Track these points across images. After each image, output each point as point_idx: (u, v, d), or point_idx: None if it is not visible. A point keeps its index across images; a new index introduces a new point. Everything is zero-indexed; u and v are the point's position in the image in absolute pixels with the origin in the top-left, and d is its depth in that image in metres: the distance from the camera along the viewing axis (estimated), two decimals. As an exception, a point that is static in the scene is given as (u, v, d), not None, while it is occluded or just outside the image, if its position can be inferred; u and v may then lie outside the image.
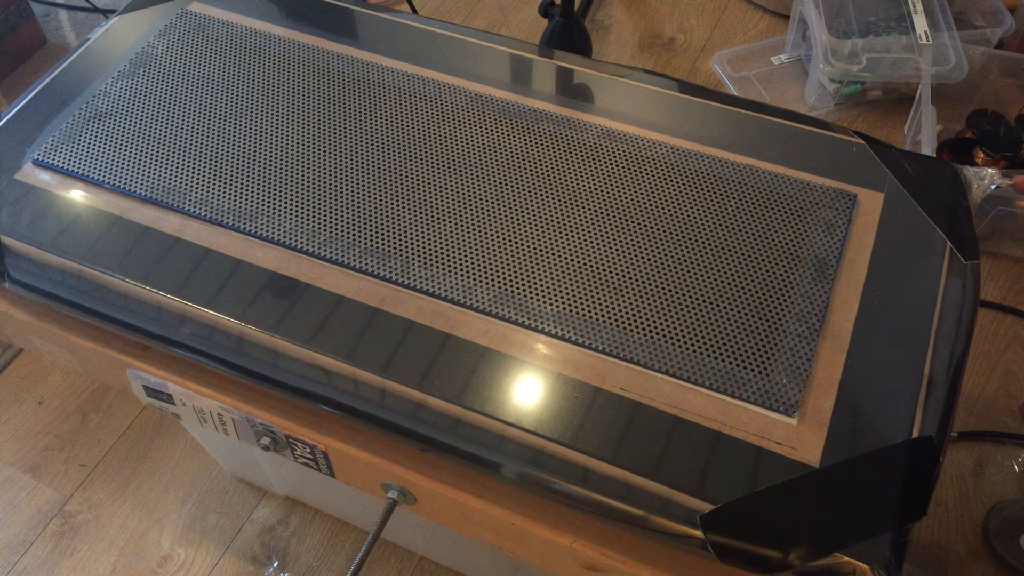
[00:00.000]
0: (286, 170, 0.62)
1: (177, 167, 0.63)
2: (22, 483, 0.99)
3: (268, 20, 0.73)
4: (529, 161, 0.62)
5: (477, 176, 0.61)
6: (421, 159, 0.63)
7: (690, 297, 0.55)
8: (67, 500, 0.97)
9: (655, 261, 0.56)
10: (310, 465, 0.58)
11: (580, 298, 0.55)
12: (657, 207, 0.59)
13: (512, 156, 0.63)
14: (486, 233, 0.58)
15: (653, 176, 0.61)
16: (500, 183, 0.61)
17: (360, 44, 0.71)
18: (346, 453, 0.54)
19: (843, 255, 0.57)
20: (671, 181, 0.61)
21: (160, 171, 0.62)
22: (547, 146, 0.63)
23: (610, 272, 0.56)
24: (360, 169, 0.62)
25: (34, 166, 0.64)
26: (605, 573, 0.51)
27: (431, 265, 0.56)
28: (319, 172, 0.62)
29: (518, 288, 0.55)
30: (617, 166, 0.62)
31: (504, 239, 0.58)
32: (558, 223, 0.59)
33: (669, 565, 0.49)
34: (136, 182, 0.62)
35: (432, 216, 0.59)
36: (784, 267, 0.56)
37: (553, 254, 0.57)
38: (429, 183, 0.61)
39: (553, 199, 0.60)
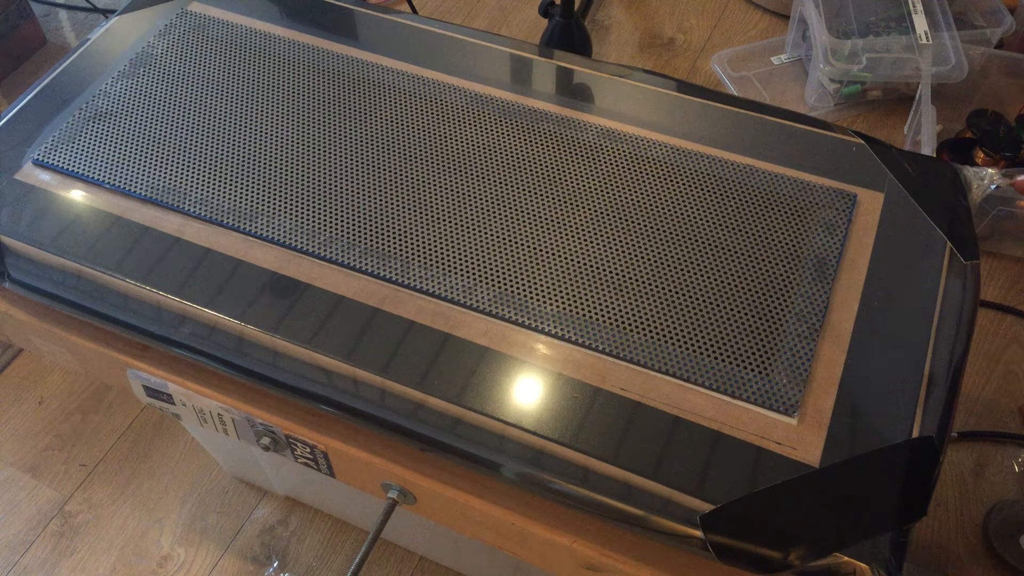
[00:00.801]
0: (286, 170, 0.62)
1: (177, 167, 0.63)
2: (22, 483, 0.99)
3: (268, 20, 0.73)
4: (529, 161, 0.62)
5: (477, 176, 0.61)
6: (421, 159, 0.63)
7: (690, 297, 0.55)
8: (67, 500, 0.97)
9: (655, 261, 0.56)
10: (310, 465, 0.58)
11: (580, 298, 0.55)
12: (657, 207, 0.59)
13: (512, 156, 0.63)
14: (486, 233, 0.58)
15: (653, 176, 0.61)
16: (500, 183, 0.61)
17: (360, 44, 0.71)
18: (346, 453, 0.54)
19: (843, 255, 0.57)
20: (671, 181, 0.61)
21: (160, 171, 0.62)
22: (547, 146, 0.63)
23: (610, 272, 0.56)
24: (360, 169, 0.62)
25: (34, 166, 0.64)
26: (605, 573, 0.51)
27: (431, 265, 0.56)
28: (319, 172, 0.62)
29: (518, 288, 0.55)
30: (617, 166, 0.62)
31: (504, 239, 0.58)
32: (558, 223, 0.59)
33: (669, 565, 0.49)
34: (136, 182, 0.62)
35: (432, 216, 0.59)
36: (784, 267, 0.56)
37: (553, 254, 0.57)
38: (429, 183, 0.61)
39: (553, 199, 0.60)
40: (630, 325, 0.53)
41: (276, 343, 0.54)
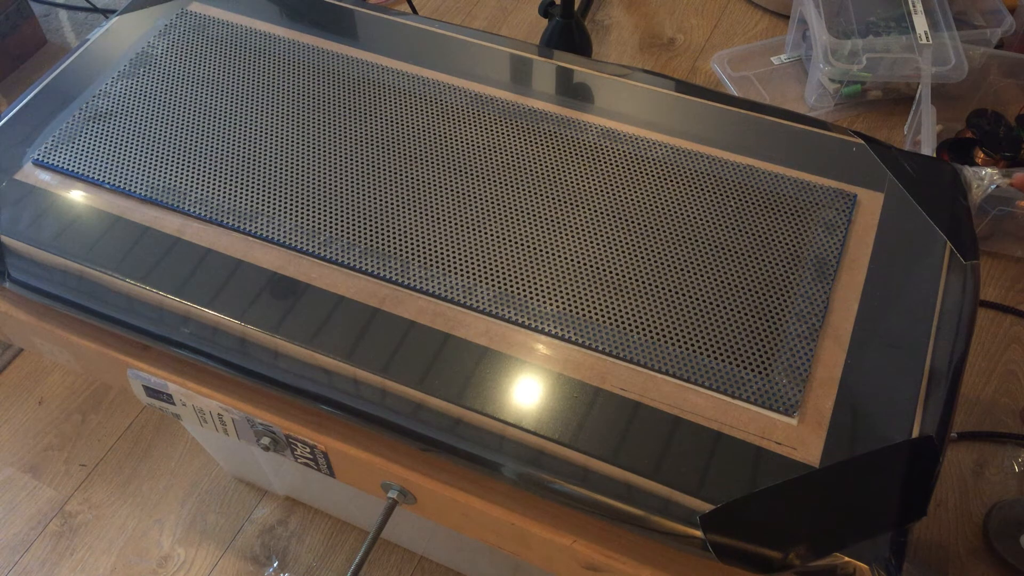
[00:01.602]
0: (286, 170, 0.62)
1: (177, 167, 0.63)
2: (22, 483, 0.99)
3: (268, 20, 0.73)
4: (529, 161, 0.62)
5: (477, 176, 0.61)
6: (421, 159, 0.63)
7: (690, 297, 0.55)
8: (67, 500, 0.97)
9: (655, 261, 0.56)
10: (310, 465, 0.58)
11: (580, 298, 0.55)
12: (657, 207, 0.59)
13: (512, 156, 0.63)
14: (486, 233, 0.58)
15: (653, 176, 0.61)
16: (500, 183, 0.61)
17: (360, 44, 0.71)
18: (346, 453, 0.54)
19: (843, 255, 0.57)
20: (671, 181, 0.61)
21: (160, 171, 0.62)
22: (547, 146, 0.63)
23: (610, 272, 0.56)
24: (360, 169, 0.62)
25: (34, 166, 0.64)
26: (605, 573, 0.51)
27: (431, 265, 0.56)
28: (319, 172, 0.62)
29: (518, 288, 0.55)
30: (617, 166, 0.62)
31: (504, 239, 0.58)
32: (558, 223, 0.59)
33: (669, 565, 0.49)
34: (136, 182, 0.62)
35: (432, 216, 0.59)
36: (784, 267, 0.56)
37: (553, 254, 0.57)
38: (429, 183, 0.61)
39: (553, 199, 0.60)
40: (630, 325, 0.53)
41: (276, 343, 0.54)
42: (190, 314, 0.55)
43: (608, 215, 0.59)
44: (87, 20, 1.50)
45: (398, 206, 0.60)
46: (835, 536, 0.45)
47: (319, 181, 0.61)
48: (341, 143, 0.64)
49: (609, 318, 0.54)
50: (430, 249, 0.57)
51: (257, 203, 0.60)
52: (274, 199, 0.60)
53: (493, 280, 0.56)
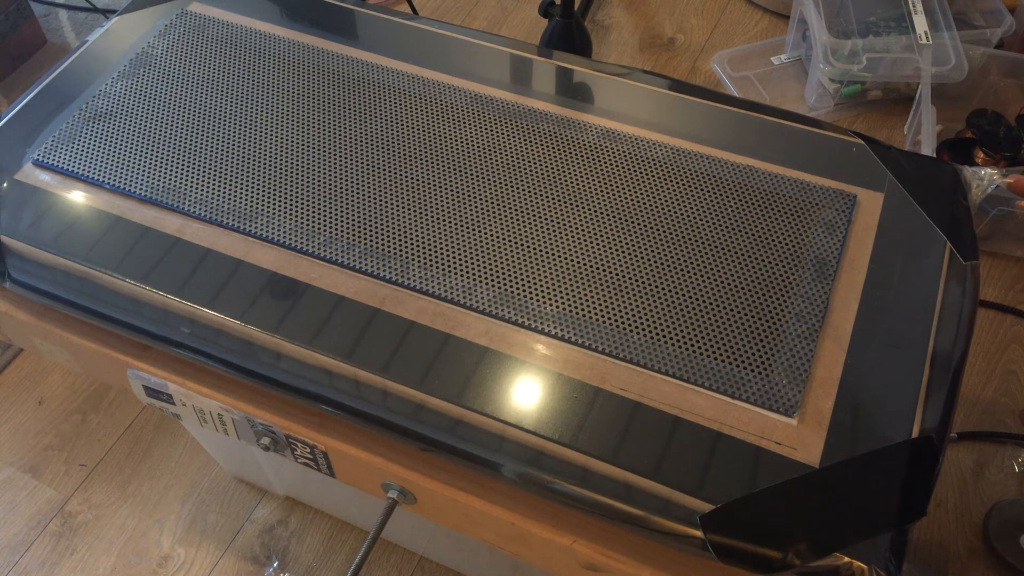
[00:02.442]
0: (286, 170, 0.62)
1: (177, 167, 0.63)
2: (22, 483, 0.99)
3: (268, 20, 0.73)
4: (529, 161, 0.62)
5: (477, 176, 0.61)
6: (421, 159, 0.63)
7: (690, 298, 0.55)
8: (67, 500, 0.97)
9: (655, 262, 0.56)
10: (310, 465, 0.58)
11: (580, 299, 0.55)
12: (657, 208, 0.59)
13: (512, 156, 0.63)
14: (486, 233, 0.58)
15: (653, 177, 0.61)
16: (500, 183, 0.61)
17: (360, 44, 0.71)
18: (346, 453, 0.54)
19: (843, 255, 0.57)
20: (671, 182, 0.61)
21: (160, 171, 0.62)
22: (547, 146, 0.63)
23: (610, 273, 0.56)
24: (360, 169, 0.62)
25: (34, 166, 0.64)
26: (605, 573, 0.51)
27: (431, 265, 0.56)
28: (319, 172, 0.62)
29: (518, 288, 0.55)
30: (617, 167, 0.62)
31: (504, 239, 0.58)
32: (558, 223, 0.59)
33: (669, 565, 0.49)
34: (136, 182, 0.62)
35: (432, 216, 0.59)
36: (784, 267, 0.56)
37: (553, 255, 0.57)
38: (429, 183, 0.61)
39: (553, 199, 0.60)
40: (630, 325, 0.53)
41: (276, 343, 0.54)
42: (190, 314, 0.55)
43: (608, 215, 0.59)
44: (87, 20, 1.50)
45: (398, 206, 0.60)
46: (835, 536, 0.45)
47: (319, 181, 0.61)
48: (341, 143, 0.64)
49: (609, 318, 0.54)
50: (430, 249, 0.57)
51: (257, 203, 0.60)
52: (274, 199, 0.60)
53: (493, 280, 0.56)
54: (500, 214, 0.59)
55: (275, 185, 0.61)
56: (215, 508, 0.96)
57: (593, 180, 0.61)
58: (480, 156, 0.63)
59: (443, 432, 0.50)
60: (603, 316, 0.54)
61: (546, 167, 0.62)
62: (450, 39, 0.71)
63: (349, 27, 0.73)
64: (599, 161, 0.62)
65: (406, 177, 0.62)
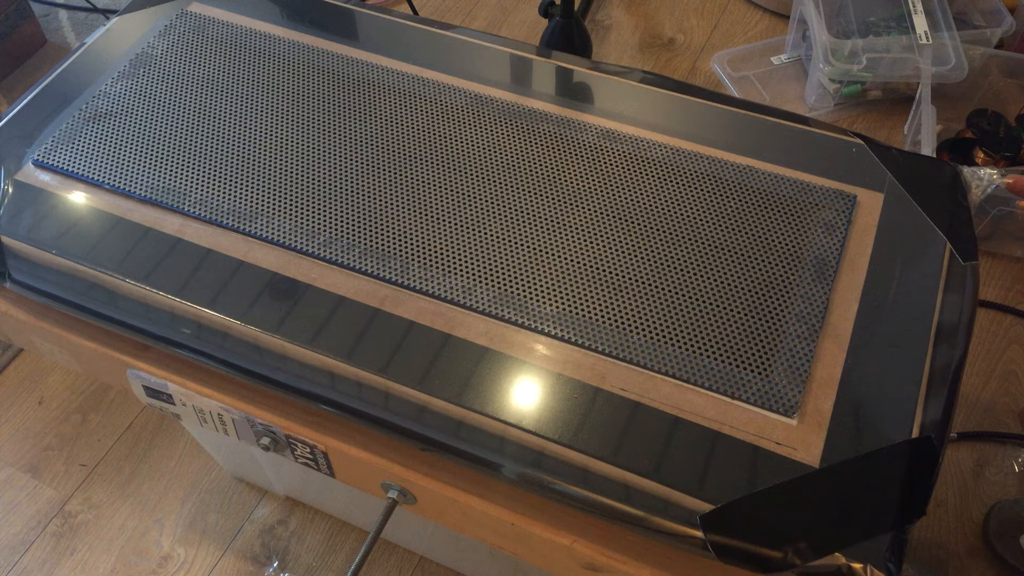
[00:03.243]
0: (286, 171, 0.62)
1: (177, 168, 0.63)
2: (22, 483, 0.99)
3: (268, 20, 0.73)
4: (529, 162, 0.62)
5: (477, 176, 0.61)
6: (421, 159, 0.63)
7: (690, 298, 0.55)
8: (67, 500, 0.97)
9: (655, 262, 0.56)
10: (310, 465, 0.58)
11: (580, 299, 0.55)
12: (657, 208, 0.59)
13: (512, 157, 0.63)
14: (486, 234, 0.58)
15: (653, 177, 0.61)
16: (500, 184, 0.61)
17: (360, 44, 0.71)
18: (346, 453, 0.54)
19: (843, 255, 0.57)
20: (671, 182, 0.61)
21: (160, 172, 0.62)
22: (547, 147, 0.63)
23: (610, 273, 0.56)
24: (360, 170, 0.62)
25: (34, 167, 0.64)
26: (605, 573, 0.51)
27: (431, 266, 0.56)
28: (319, 173, 0.62)
29: (518, 289, 0.55)
30: (617, 167, 0.62)
31: (504, 240, 0.58)
32: (558, 224, 0.59)
33: (669, 565, 0.49)
34: (136, 183, 0.62)
35: (432, 217, 0.59)
36: (784, 268, 0.56)
37: (553, 255, 0.57)
38: (429, 184, 0.61)
39: (553, 200, 0.60)
40: (630, 326, 0.53)
41: (276, 343, 0.54)
42: (190, 314, 0.55)
43: (608, 216, 0.59)
44: (87, 20, 1.50)
45: (398, 207, 0.60)
46: (835, 536, 0.45)
47: (319, 182, 0.61)
48: (341, 144, 0.64)
49: (609, 318, 0.54)
50: (430, 249, 0.57)
51: (257, 204, 0.60)
52: (274, 200, 0.60)
53: (493, 280, 0.56)
54: (500, 214, 0.59)
55: (275, 185, 0.61)
56: (215, 508, 0.96)
57: (593, 180, 0.61)
58: (480, 156, 0.63)
59: (443, 432, 0.50)
60: (603, 316, 0.54)
61: (546, 167, 0.62)
62: (450, 39, 0.71)
63: (349, 27, 0.73)
64: (599, 161, 0.62)
65: (406, 177, 0.62)
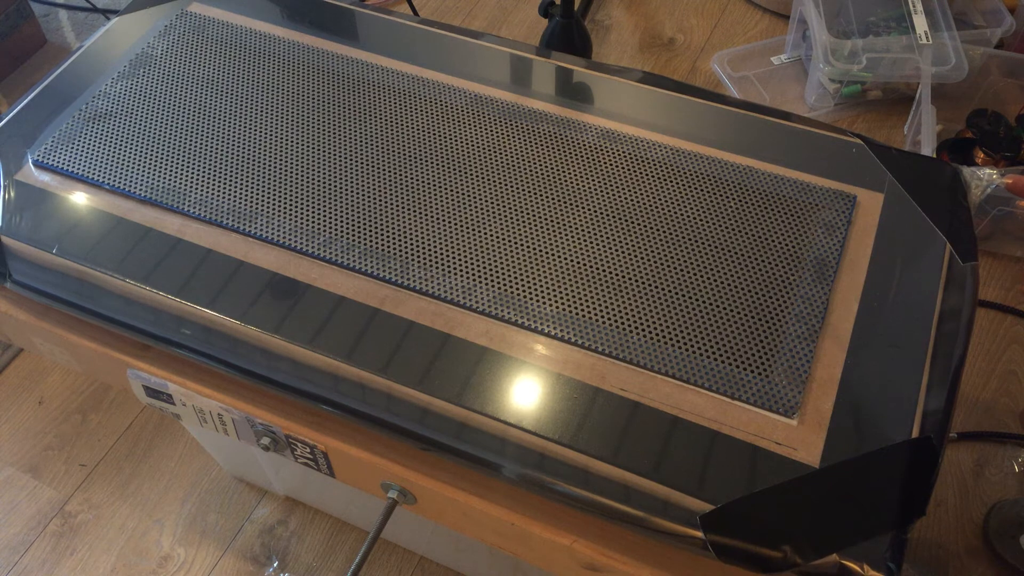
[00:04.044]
0: (286, 171, 0.62)
1: (177, 168, 0.63)
2: (22, 483, 0.99)
3: (268, 20, 0.73)
4: (529, 162, 0.62)
5: (477, 177, 0.61)
6: (421, 160, 0.63)
7: (690, 298, 0.55)
8: (67, 500, 0.97)
9: (655, 262, 0.56)
10: (310, 465, 0.58)
11: (580, 299, 0.55)
12: (657, 208, 0.59)
13: (512, 157, 0.63)
14: (486, 234, 0.58)
15: (653, 177, 0.61)
16: (500, 184, 0.61)
17: (360, 44, 0.71)
18: (346, 453, 0.54)
19: (843, 256, 0.57)
20: (671, 182, 0.61)
21: (160, 172, 0.62)
22: (547, 147, 0.63)
23: (610, 273, 0.56)
24: (360, 170, 0.62)
25: (34, 167, 0.64)
26: (605, 573, 0.51)
27: (431, 266, 0.56)
28: (319, 173, 0.62)
29: (518, 289, 0.55)
30: (617, 167, 0.62)
31: (504, 240, 0.58)
32: (558, 224, 0.59)
33: (669, 565, 0.49)
34: (136, 183, 0.62)
35: (432, 217, 0.59)
36: (784, 268, 0.56)
37: (553, 255, 0.57)
38: (429, 184, 0.61)
39: (553, 200, 0.60)
40: (630, 326, 0.53)
41: (276, 343, 0.54)
42: (190, 314, 0.55)
43: (607, 216, 0.59)
44: (87, 20, 1.50)
45: (398, 207, 0.60)
46: (835, 536, 0.45)
47: (319, 182, 0.61)
48: (341, 144, 0.64)
49: (609, 319, 0.54)
50: (430, 250, 0.57)
51: (257, 204, 0.60)
52: (274, 200, 0.60)
53: (493, 281, 0.56)
54: (500, 214, 0.59)
55: (275, 186, 0.61)
56: (215, 508, 0.96)
57: (593, 180, 0.61)
58: (480, 156, 0.63)
59: (443, 432, 0.50)
60: (603, 316, 0.54)
61: (546, 167, 0.62)
62: (450, 39, 0.71)
63: (349, 27, 0.73)
64: (599, 162, 0.62)
65: (406, 177, 0.62)
